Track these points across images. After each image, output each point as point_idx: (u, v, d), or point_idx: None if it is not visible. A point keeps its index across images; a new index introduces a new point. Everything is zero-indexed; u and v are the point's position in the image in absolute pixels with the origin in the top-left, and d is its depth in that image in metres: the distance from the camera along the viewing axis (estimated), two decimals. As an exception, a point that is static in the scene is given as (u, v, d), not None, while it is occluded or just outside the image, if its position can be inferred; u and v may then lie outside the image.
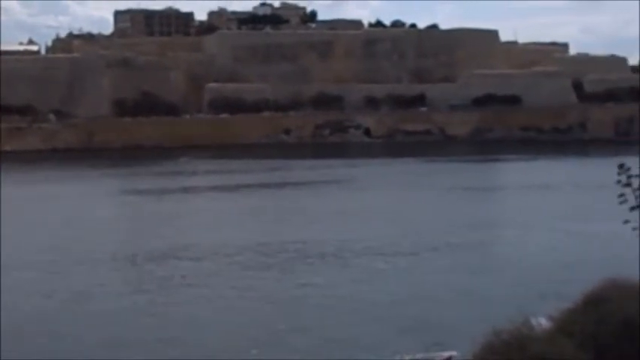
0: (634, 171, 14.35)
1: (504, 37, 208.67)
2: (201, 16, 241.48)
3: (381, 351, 29.74)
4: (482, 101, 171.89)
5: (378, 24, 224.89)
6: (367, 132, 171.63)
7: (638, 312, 10.89)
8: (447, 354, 27.41)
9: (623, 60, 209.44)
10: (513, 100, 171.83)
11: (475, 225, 60.36)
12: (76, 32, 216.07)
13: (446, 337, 30.00)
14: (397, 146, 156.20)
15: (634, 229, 14.68)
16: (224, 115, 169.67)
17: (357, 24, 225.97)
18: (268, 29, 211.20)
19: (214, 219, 67.34)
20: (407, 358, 28.06)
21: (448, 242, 53.13)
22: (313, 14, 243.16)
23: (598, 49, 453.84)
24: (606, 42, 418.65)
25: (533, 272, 42.63)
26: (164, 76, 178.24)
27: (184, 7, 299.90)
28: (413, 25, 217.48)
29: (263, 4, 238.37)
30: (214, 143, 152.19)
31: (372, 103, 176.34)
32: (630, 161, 14.87)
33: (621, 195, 14.53)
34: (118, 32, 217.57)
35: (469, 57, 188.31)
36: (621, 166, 14.31)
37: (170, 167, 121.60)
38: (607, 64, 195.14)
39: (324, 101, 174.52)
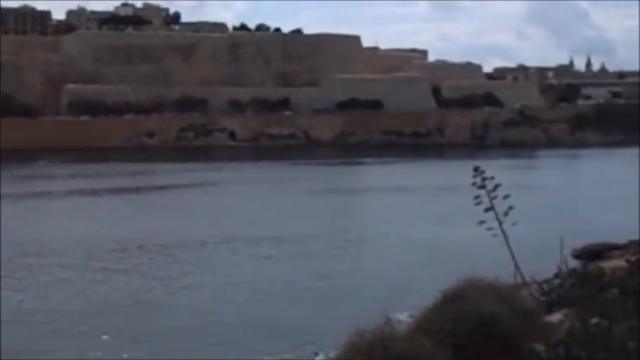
0: (488, 174, 14.98)
1: (366, 43, 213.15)
2: (59, 15, 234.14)
3: (238, 351, 29.58)
4: (346, 105, 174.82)
5: (243, 27, 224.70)
6: (232, 135, 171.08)
7: (492, 309, 11.37)
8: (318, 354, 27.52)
9: (479, 67, 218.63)
10: (375, 105, 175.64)
11: (338, 226, 61.17)
12: None
13: (309, 337, 30.20)
14: (262, 149, 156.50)
15: (489, 229, 15.31)
16: (84, 117, 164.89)
17: (221, 27, 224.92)
18: (130, 30, 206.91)
19: (67, 222, 65.38)
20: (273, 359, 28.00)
21: (310, 242, 53.53)
22: (177, 16, 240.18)
23: (454, 56, 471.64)
24: (462, 50, 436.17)
25: (395, 271, 43.60)
26: (20, 76, 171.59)
27: (41, 6, 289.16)
28: (277, 29, 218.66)
29: (124, 5, 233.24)
30: (74, 146, 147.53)
31: (236, 106, 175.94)
32: (484, 164, 15.50)
33: (477, 197, 15.13)
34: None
35: (332, 62, 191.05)
36: (476, 169, 14.92)
37: (27, 171, 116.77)
38: (463, 71, 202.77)
39: (188, 104, 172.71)
